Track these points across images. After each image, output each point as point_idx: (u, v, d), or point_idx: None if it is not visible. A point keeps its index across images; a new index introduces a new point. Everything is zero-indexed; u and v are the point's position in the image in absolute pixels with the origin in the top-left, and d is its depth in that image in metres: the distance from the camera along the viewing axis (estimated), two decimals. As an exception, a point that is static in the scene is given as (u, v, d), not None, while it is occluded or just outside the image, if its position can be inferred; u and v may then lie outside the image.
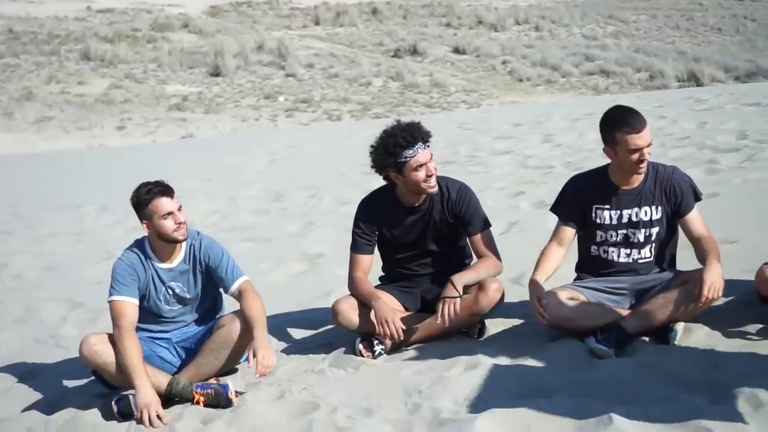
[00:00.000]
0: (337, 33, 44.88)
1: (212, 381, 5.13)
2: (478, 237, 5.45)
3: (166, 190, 5.18)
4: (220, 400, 4.93)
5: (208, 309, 5.49)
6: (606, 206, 5.10)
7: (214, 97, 32.60)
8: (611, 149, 4.97)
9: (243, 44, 39.12)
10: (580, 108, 17.56)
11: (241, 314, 5.17)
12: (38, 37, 41.80)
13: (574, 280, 5.34)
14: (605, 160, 5.19)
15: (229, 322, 5.22)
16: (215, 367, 5.24)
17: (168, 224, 5.13)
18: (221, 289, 5.44)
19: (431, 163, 5.29)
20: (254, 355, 4.83)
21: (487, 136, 15.31)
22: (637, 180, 5.06)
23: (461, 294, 5.18)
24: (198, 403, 4.97)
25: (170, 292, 5.31)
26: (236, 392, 4.98)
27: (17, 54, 38.49)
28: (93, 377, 5.37)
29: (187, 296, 5.35)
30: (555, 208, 5.37)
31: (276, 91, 32.87)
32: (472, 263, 5.57)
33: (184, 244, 5.31)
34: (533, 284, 5.03)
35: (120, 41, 40.48)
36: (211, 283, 5.39)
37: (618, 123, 4.89)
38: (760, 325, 4.85)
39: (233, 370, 5.44)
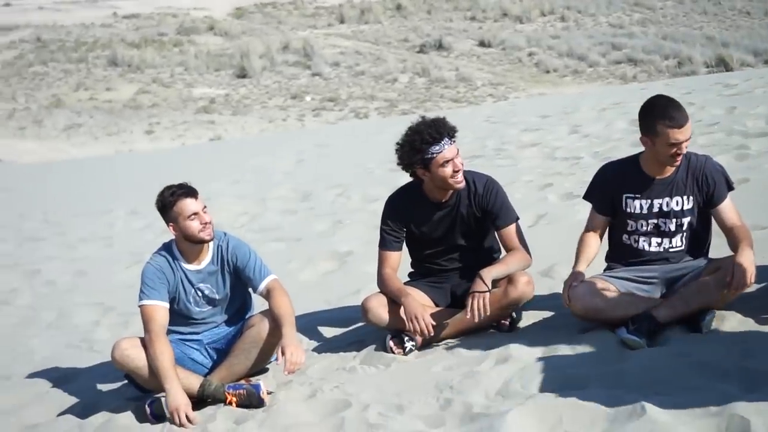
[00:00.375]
0: (362, 30, 44.93)
1: (244, 381, 5.14)
2: (506, 230, 5.42)
3: (189, 192, 5.20)
4: (252, 401, 4.94)
5: (237, 309, 5.51)
6: (636, 195, 5.06)
7: (242, 98, 32.77)
8: (649, 140, 4.89)
9: (268, 45, 39.30)
10: (607, 97, 17.43)
11: (270, 313, 5.18)
12: (66, 45, 42.25)
13: (604, 270, 5.29)
14: (633, 150, 5.13)
15: (258, 321, 5.24)
16: (246, 367, 5.26)
17: (194, 225, 5.15)
18: (250, 289, 5.45)
19: (458, 159, 5.26)
20: (282, 353, 4.84)
21: (515, 128, 15.23)
22: (669, 170, 4.99)
23: (490, 288, 5.14)
24: (230, 403, 4.99)
25: (199, 293, 5.33)
26: (268, 392, 4.99)
27: (45, 62, 38.96)
28: (126, 381, 5.40)
29: (217, 297, 5.36)
30: (587, 197, 5.36)
31: (302, 91, 32.98)
32: (500, 257, 5.54)
33: (211, 245, 5.33)
34: (573, 271, 5.05)
35: (146, 46, 40.81)
36: (239, 284, 5.41)
37: (660, 115, 4.80)
38: (794, 312, 4.79)
39: (264, 370, 5.46)
